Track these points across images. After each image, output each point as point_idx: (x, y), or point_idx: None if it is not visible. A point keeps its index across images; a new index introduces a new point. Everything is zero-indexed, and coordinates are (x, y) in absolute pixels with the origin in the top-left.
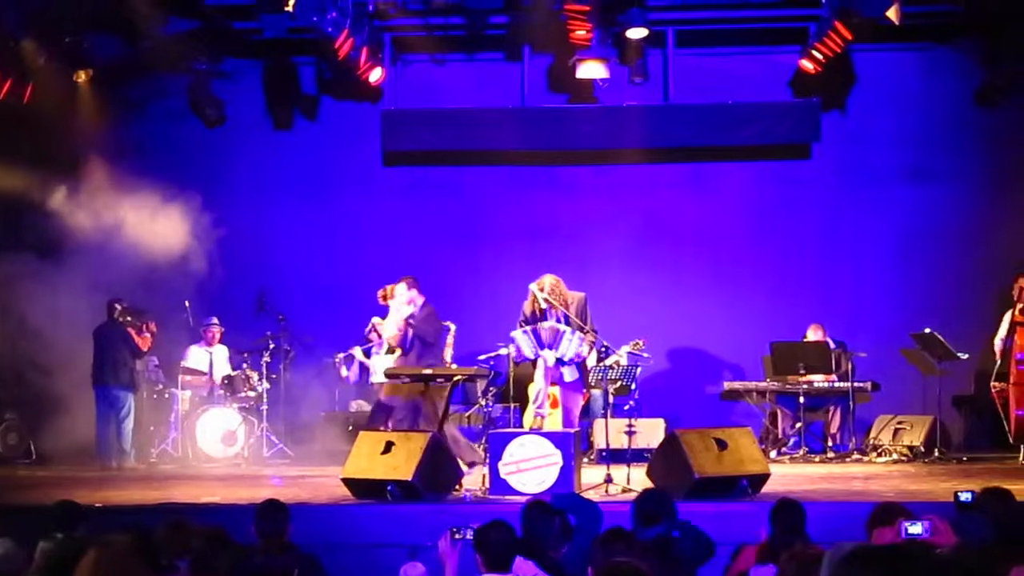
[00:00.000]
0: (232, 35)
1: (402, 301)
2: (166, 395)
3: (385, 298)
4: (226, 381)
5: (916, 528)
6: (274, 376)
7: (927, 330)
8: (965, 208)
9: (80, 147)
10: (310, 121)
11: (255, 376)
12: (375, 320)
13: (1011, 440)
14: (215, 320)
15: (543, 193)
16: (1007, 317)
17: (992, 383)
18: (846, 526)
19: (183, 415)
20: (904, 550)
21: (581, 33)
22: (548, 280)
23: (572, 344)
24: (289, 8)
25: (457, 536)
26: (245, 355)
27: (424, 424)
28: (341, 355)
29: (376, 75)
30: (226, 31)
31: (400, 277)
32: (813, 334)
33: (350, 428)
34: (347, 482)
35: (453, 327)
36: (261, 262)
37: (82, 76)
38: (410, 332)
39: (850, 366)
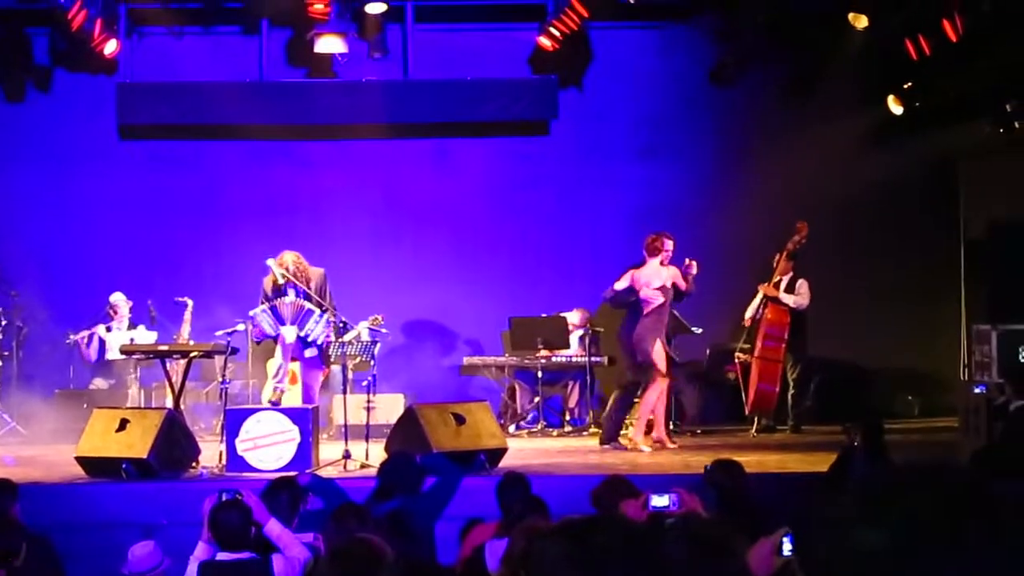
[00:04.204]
0: None
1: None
2: None
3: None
4: None
5: (662, 500)
6: (6, 353)
7: None
8: (698, 186)
9: None
10: (43, 93)
11: None
12: (115, 297)
13: (747, 412)
14: None
15: (282, 168)
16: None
17: (737, 353)
18: (581, 499)
19: None
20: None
21: (319, 7)
22: (289, 257)
23: (319, 326)
24: None
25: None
26: None
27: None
28: (85, 333)
29: (111, 47)
30: None
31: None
32: (574, 317)
33: (85, 406)
34: (81, 460)
35: (191, 302)
36: None
37: None
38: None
39: (587, 341)
